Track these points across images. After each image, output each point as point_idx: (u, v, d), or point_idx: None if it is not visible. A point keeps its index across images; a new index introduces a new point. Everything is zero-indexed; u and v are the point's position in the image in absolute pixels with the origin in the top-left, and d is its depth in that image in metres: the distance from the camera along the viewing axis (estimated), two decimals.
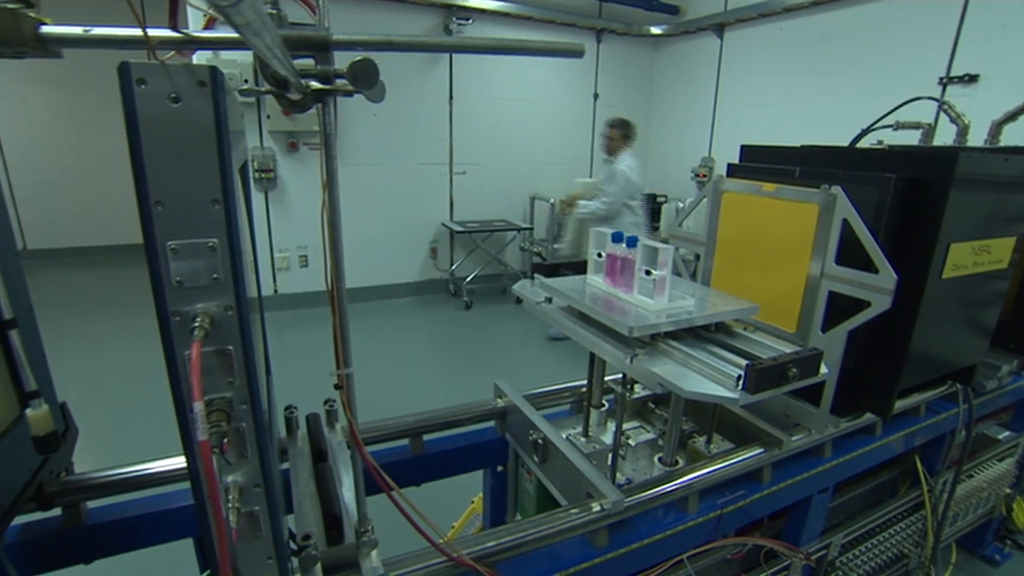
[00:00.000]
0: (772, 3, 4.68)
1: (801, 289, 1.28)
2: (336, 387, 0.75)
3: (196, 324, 0.50)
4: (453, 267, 6.01)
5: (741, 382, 0.89)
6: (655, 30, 5.86)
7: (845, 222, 1.17)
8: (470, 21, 5.30)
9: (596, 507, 1.00)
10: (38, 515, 1.02)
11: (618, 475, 1.21)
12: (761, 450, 1.22)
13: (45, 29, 0.44)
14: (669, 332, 1.10)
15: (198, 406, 0.44)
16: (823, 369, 0.98)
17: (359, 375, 0.79)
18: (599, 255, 1.27)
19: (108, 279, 6.10)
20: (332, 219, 0.67)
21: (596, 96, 6.25)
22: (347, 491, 1.02)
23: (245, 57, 4.38)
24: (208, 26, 0.51)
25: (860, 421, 1.41)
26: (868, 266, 1.15)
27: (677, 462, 1.22)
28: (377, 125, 5.29)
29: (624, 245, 1.17)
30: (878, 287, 1.13)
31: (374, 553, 0.84)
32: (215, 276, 0.52)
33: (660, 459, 1.23)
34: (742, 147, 1.68)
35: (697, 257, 1.62)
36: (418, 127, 5.58)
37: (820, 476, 1.33)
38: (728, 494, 1.19)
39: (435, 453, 1.37)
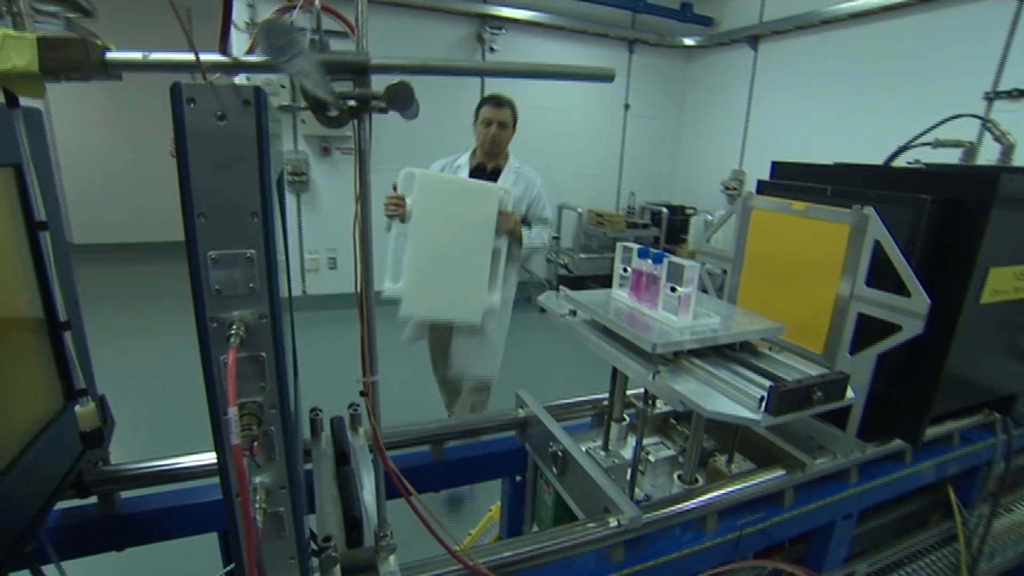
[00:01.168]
0: (810, 15, 4.61)
1: (829, 310, 1.26)
2: (362, 394, 0.77)
3: (232, 332, 0.53)
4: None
5: (764, 404, 0.88)
6: (688, 41, 5.82)
7: (877, 243, 1.15)
8: (502, 31, 5.36)
9: (613, 522, 1.00)
10: (76, 502, 1.07)
11: (637, 491, 1.20)
12: (783, 472, 1.20)
13: (110, 56, 0.48)
14: (693, 350, 1.09)
15: (232, 411, 0.47)
16: (849, 393, 0.96)
17: (382, 380, 0.81)
18: (624, 270, 1.27)
19: (151, 275, 6.32)
20: (364, 231, 0.70)
21: (627, 107, 6.24)
22: (368, 495, 1.04)
23: None
24: (252, 49, 0.54)
25: (889, 447, 1.37)
26: (900, 289, 1.12)
27: (696, 480, 1.20)
28: (409, 131, 5.36)
29: (650, 261, 1.17)
30: (910, 311, 1.10)
31: (392, 558, 0.85)
32: (251, 285, 0.55)
33: (679, 477, 1.22)
34: (773, 164, 1.66)
35: (724, 272, 1.60)
36: (450, 134, 5.65)
37: (844, 502, 1.30)
38: (748, 515, 1.17)
39: (455, 460, 1.39)
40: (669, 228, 6.06)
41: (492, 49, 5.40)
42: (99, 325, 4.37)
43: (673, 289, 1.11)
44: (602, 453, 1.31)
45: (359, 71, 0.51)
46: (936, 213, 1.18)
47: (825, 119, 4.63)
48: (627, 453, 1.34)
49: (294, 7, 0.61)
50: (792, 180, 1.57)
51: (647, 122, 6.38)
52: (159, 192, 6.62)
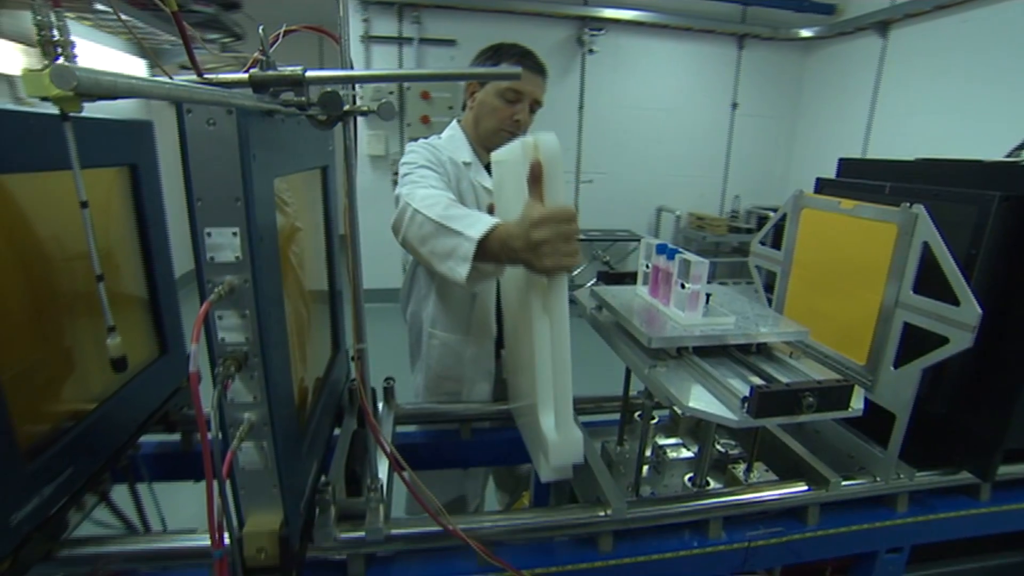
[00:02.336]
0: None
1: (874, 318, 1.15)
2: (353, 359, 0.89)
3: (216, 290, 0.66)
4: (575, 273, 6.07)
5: (746, 405, 0.86)
6: (805, 33, 5.36)
7: (926, 245, 1.04)
8: (603, 32, 5.35)
9: (601, 512, 1.02)
10: (166, 437, 1.32)
11: (645, 487, 1.20)
12: (805, 488, 1.12)
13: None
14: (701, 348, 1.07)
15: (194, 347, 0.60)
16: (856, 403, 0.89)
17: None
18: (647, 266, 1.27)
19: None
20: (353, 222, 0.81)
21: (735, 105, 5.91)
22: (382, 460, 1.17)
23: None
24: (252, 64, 0.67)
25: (955, 478, 1.21)
26: (950, 297, 1.00)
27: (708, 483, 1.17)
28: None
29: (665, 257, 1.17)
30: (959, 322, 0.98)
31: (381, 508, 0.96)
32: (237, 256, 0.68)
33: (690, 479, 1.19)
34: (840, 161, 1.53)
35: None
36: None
37: (888, 531, 1.18)
38: (761, 528, 1.12)
39: (483, 441, 1.47)
40: (777, 233, 5.61)
41: (592, 51, 5.42)
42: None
43: (683, 285, 1.10)
44: (617, 448, 1.32)
45: (297, 84, 0.62)
46: (1007, 212, 1.04)
47: (967, 113, 4.01)
48: (647, 450, 1.33)
49: (293, 32, 0.74)
50: (857, 178, 1.44)
51: (757, 121, 5.97)
52: None
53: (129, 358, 1.17)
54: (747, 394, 0.86)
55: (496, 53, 1.42)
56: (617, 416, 1.39)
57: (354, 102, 0.75)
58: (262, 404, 0.75)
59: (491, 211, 1.32)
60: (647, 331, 1.03)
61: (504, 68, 0.66)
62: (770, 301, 1.51)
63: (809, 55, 5.73)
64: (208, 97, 0.55)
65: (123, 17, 3.75)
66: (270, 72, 0.61)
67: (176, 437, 1.32)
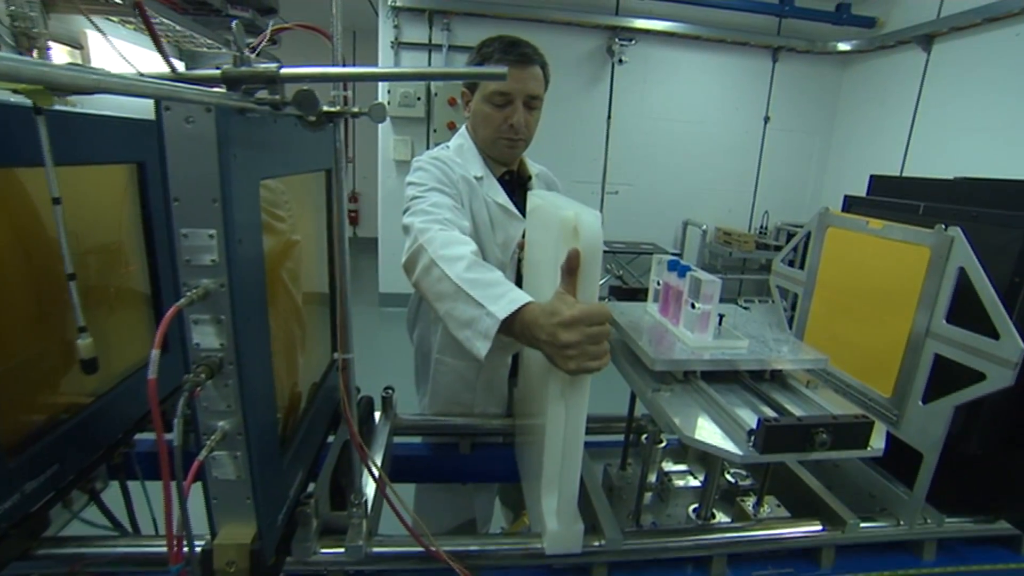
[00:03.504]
0: (1009, 2, 3.81)
1: (902, 348, 1.07)
2: (337, 369, 0.86)
3: (188, 293, 0.64)
4: (604, 280, 5.97)
5: (753, 438, 0.79)
6: (843, 46, 5.20)
7: (962, 271, 0.95)
8: (633, 42, 5.30)
9: (595, 541, 0.96)
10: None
11: (647, 516, 1.13)
12: (819, 528, 1.04)
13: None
14: (711, 373, 1.01)
15: (155, 353, 0.57)
16: (876, 443, 0.82)
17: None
18: (658, 283, 1.21)
19: None
20: (340, 222, 0.78)
21: (767, 119, 5.76)
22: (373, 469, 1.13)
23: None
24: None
25: (991, 527, 1.11)
26: (989, 329, 0.92)
27: (714, 516, 1.10)
28: (534, 142, 5.55)
29: (676, 274, 1.11)
30: (998, 357, 0.90)
31: (364, 524, 0.92)
32: (213, 259, 0.66)
33: (695, 511, 1.12)
34: (870, 178, 1.45)
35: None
36: (574, 145, 5.72)
37: None
38: (770, 568, 1.04)
39: (483, 457, 1.43)
40: (802, 252, 5.42)
41: (621, 61, 5.37)
42: None
43: (694, 305, 1.04)
44: (620, 472, 1.25)
45: (270, 81, 0.59)
46: None
47: (1016, 132, 3.80)
48: (653, 476, 1.26)
49: (285, 29, 0.72)
50: (889, 196, 1.36)
51: (790, 136, 5.82)
52: None
53: (129, 355, 1.19)
54: (754, 427, 0.79)
55: (479, 53, 1.28)
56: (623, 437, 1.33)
57: (346, 103, 0.72)
58: (236, 413, 0.72)
59: (520, 249, 1.27)
60: (652, 352, 0.97)
61: (488, 68, 0.62)
62: (792, 323, 1.43)
63: (847, 69, 5.55)
64: (168, 93, 0.53)
65: (158, 18, 3.86)
66: (243, 68, 0.59)
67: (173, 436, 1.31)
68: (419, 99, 5.06)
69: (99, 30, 0.55)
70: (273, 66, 0.58)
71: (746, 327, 1.14)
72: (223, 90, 0.59)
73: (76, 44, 4.19)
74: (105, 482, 1.22)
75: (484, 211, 1.35)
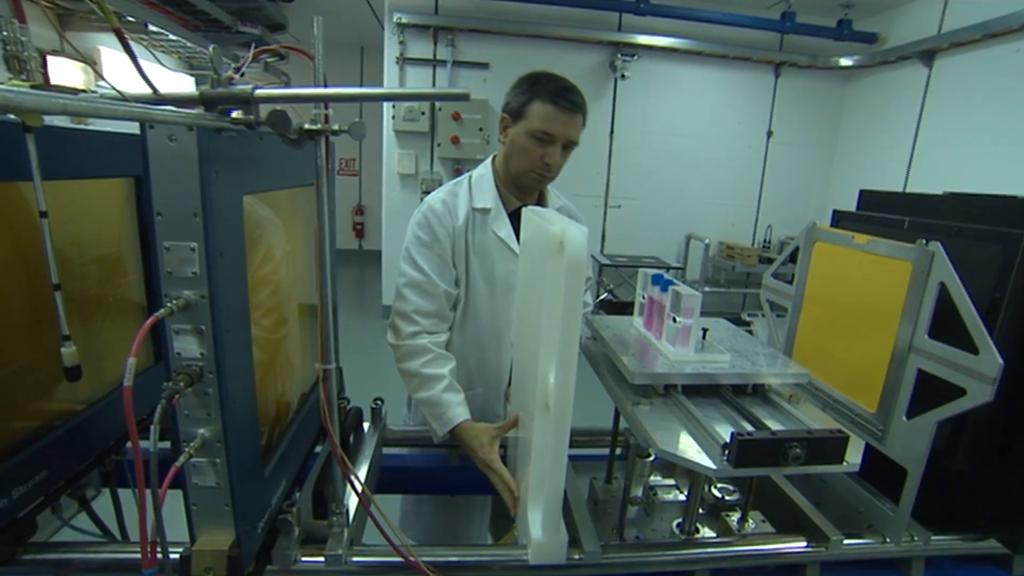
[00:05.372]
0: (1007, 19, 3.82)
1: (886, 362, 1.07)
2: (320, 380, 0.87)
3: (168, 304, 0.66)
4: (599, 299, 5.97)
5: (727, 452, 0.80)
6: (845, 61, 5.23)
7: (943, 286, 0.96)
8: (635, 57, 5.35)
9: (575, 555, 0.96)
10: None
11: (631, 531, 1.13)
12: (803, 544, 1.03)
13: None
14: (693, 387, 1.01)
15: (131, 360, 0.59)
16: (852, 457, 0.82)
17: None
18: (644, 297, 1.22)
19: None
20: (321, 237, 0.80)
21: (770, 134, 5.78)
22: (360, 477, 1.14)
23: None
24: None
25: (980, 545, 1.10)
26: (969, 344, 0.92)
27: (698, 531, 1.09)
28: None
29: (659, 288, 1.12)
30: (976, 372, 0.90)
31: (345, 532, 0.93)
32: (194, 271, 0.68)
33: (678, 525, 1.12)
34: (861, 193, 1.45)
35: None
36: (576, 159, 5.69)
37: None
38: None
39: (473, 469, 1.43)
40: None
41: (624, 76, 5.42)
42: None
43: (675, 319, 1.05)
44: (605, 485, 1.25)
45: (245, 102, 0.62)
46: None
47: (1018, 146, 3.79)
48: (639, 490, 1.26)
49: (269, 50, 0.74)
50: (879, 211, 1.36)
51: (792, 150, 5.83)
52: None
53: (124, 364, 1.22)
54: (728, 440, 0.80)
55: (532, 88, 1.32)
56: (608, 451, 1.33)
57: (326, 121, 0.75)
58: (216, 421, 0.74)
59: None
60: (632, 366, 0.98)
61: (453, 90, 0.64)
62: None
63: (849, 84, 5.58)
64: (141, 115, 0.55)
65: (159, 34, 3.97)
66: (219, 90, 0.61)
67: (167, 444, 1.32)
68: (423, 114, 5.13)
69: (130, 52, 0.57)
70: (248, 87, 0.61)
71: (731, 341, 1.14)
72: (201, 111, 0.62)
73: (89, 60, 4.29)
74: (98, 489, 1.24)
75: (486, 242, 1.40)
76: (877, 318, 1.10)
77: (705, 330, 1.09)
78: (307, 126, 0.74)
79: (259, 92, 0.62)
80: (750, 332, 1.24)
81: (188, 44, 4.64)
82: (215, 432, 0.74)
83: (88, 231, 1.07)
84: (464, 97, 0.66)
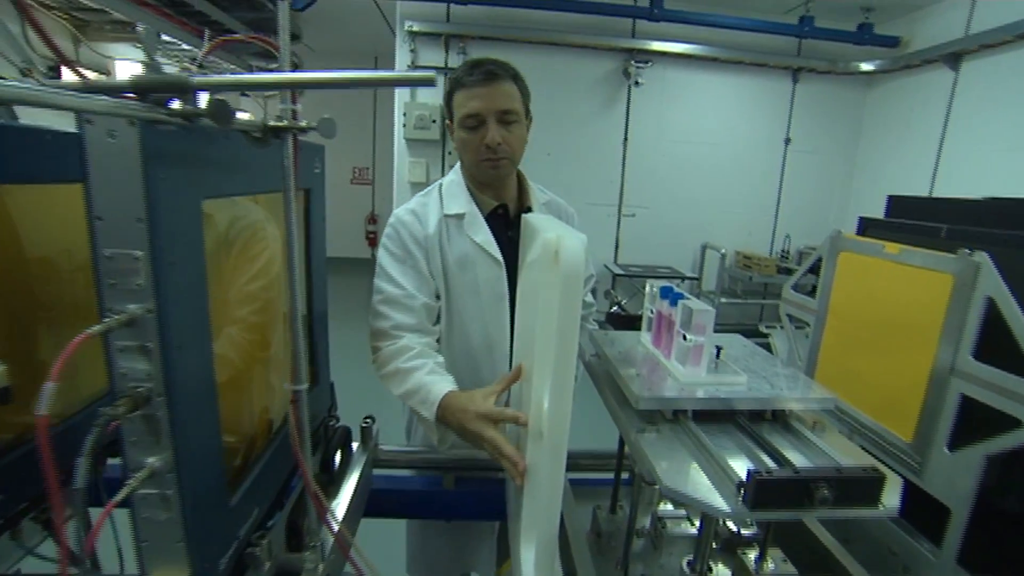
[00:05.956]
0: None
1: (923, 386, 0.96)
2: (292, 402, 0.79)
3: (105, 321, 0.58)
4: (612, 309, 5.84)
5: (743, 492, 0.70)
6: (866, 66, 5.08)
7: (990, 301, 0.85)
8: (648, 64, 5.27)
9: None
10: None
11: (636, 566, 1.03)
12: None
13: None
14: (705, 413, 0.92)
15: (50, 385, 0.52)
16: (890, 500, 0.71)
17: None
18: (652, 311, 1.13)
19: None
20: (289, 245, 0.73)
21: (787, 141, 5.64)
22: (339, 505, 1.06)
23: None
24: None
25: None
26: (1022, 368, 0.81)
27: (710, 570, 0.99)
28: (551, 164, 5.53)
29: (668, 302, 1.03)
30: None
31: (320, 567, 0.85)
32: (139, 283, 0.61)
33: (689, 563, 1.01)
34: (889, 199, 1.35)
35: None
36: (590, 167, 5.67)
37: None
38: None
39: (469, 493, 1.34)
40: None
41: (638, 83, 5.34)
42: None
43: (685, 337, 0.95)
44: (610, 516, 1.15)
45: (181, 89, 0.54)
46: None
47: None
48: (647, 520, 1.16)
49: (234, 40, 0.68)
50: (910, 218, 1.26)
51: (811, 157, 5.67)
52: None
53: (96, 383, 1.15)
54: (744, 478, 0.70)
55: (451, 83, 1.27)
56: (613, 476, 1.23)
57: (293, 117, 0.68)
58: (166, 449, 0.66)
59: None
60: (637, 389, 0.88)
61: (416, 73, 0.56)
62: None
63: (870, 89, 5.42)
64: (68, 103, 0.48)
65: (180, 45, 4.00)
66: (152, 75, 0.54)
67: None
68: (434, 121, 5.09)
69: (151, 60, 0.50)
70: (184, 74, 0.54)
71: (748, 360, 1.04)
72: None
73: (104, 70, 4.34)
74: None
75: (465, 250, 1.31)
76: (912, 336, 0.99)
77: (719, 348, 0.99)
78: (272, 123, 0.67)
79: (197, 79, 0.54)
80: (768, 345, 1.14)
81: (187, 47, 4.68)
82: (166, 461, 0.66)
83: (81, 237, 1.03)
84: (430, 81, 0.58)
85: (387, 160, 8.41)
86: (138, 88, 0.54)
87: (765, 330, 5.13)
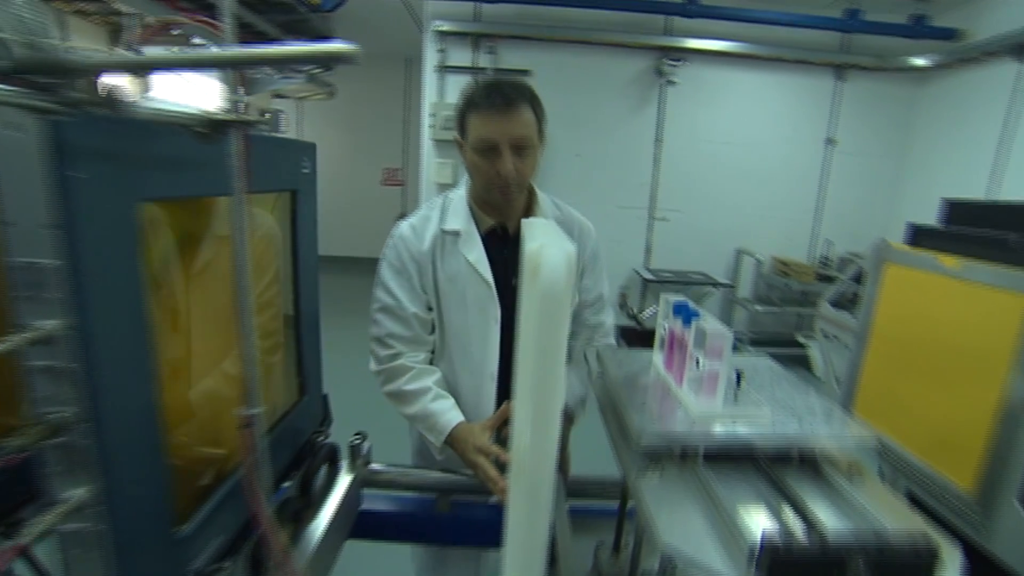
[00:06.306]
0: None
1: (987, 424, 0.81)
2: (243, 427, 0.72)
3: (15, 338, 0.51)
4: (642, 314, 5.64)
5: (755, 561, 0.58)
6: (919, 62, 4.75)
7: None
8: (682, 62, 5.08)
9: None
10: None
11: None
12: None
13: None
14: (720, 453, 0.79)
15: None
16: (948, 574, 0.58)
17: None
18: (665, 328, 1.01)
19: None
20: (237, 255, 0.65)
21: (830, 142, 5.34)
22: (317, 527, 0.99)
23: None
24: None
25: None
26: None
27: None
28: (580, 165, 5.40)
29: (681, 321, 0.91)
30: None
31: None
32: (56, 296, 0.54)
33: None
34: (946, 204, 1.18)
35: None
36: (620, 169, 5.51)
37: None
38: None
39: (461, 517, 1.25)
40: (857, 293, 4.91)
41: (671, 82, 5.16)
42: None
43: (699, 362, 0.83)
44: (613, 554, 1.04)
45: (58, 71, 0.46)
46: None
47: None
48: (655, 561, 1.04)
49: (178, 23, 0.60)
50: (969, 225, 1.10)
51: (857, 159, 5.36)
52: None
53: None
54: (758, 545, 0.58)
55: (465, 102, 1.21)
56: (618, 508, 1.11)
57: (244, 110, 0.60)
58: (96, 480, 0.59)
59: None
60: (639, 422, 0.77)
61: (332, 46, 0.46)
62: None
63: (923, 86, 5.07)
64: None
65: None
66: (21, 54, 0.46)
67: None
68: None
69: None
70: (59, 53, 0.46)
71: (773, 389, 0.91)
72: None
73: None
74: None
75: (457, 267, 1.30)
76: (974, 364, 0.85)
77: (739, 373, 0.87)
78: (218, 116, 0.59)
79: (75, 58, 0.46)
80: (805, 357, 1.00)
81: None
82: (95, 493, 0.59)
83: None
84: (349, 57, 0.48)
85: (418, 161, 8.45)
86: (15, 71, 0.46)
87: (803, 340, 4.87)
